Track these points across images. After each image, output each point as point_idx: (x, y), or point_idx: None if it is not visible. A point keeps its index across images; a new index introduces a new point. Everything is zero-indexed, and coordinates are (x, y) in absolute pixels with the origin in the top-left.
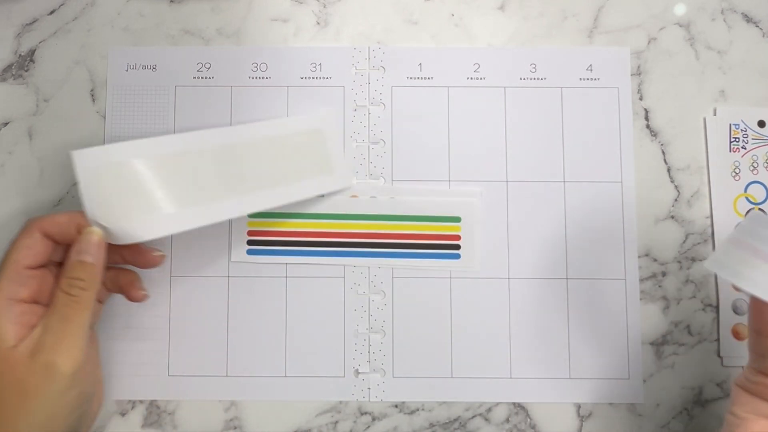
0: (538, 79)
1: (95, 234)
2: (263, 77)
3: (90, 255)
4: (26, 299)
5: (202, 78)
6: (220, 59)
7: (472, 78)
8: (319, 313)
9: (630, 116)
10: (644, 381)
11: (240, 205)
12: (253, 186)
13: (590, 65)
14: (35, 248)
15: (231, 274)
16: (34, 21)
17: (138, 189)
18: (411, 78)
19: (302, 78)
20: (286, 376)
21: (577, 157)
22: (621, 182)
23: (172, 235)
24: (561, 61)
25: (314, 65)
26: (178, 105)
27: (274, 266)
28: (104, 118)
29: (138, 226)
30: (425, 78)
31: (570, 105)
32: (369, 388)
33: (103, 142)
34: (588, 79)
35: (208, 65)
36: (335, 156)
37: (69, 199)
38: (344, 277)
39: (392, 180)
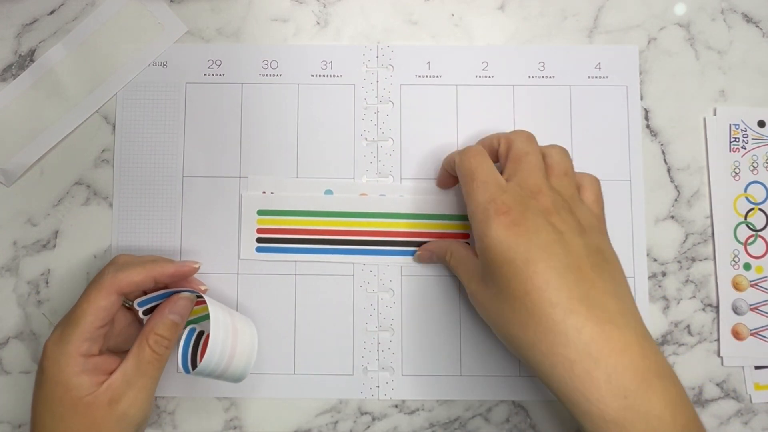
0: (546, 77)
1: (188, 298)
2: (274, 75)
3: (180, 316)
4: (97, 353)
5: (213, 75)
6: (231, 56)
7: (480, 76)
8: (328, 311)
9: (639, 114)
10: None
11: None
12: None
13: (599, 63)
14: (110, 309)
15: (240, 272)
16: (34, 21)
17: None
18: (419, 76)
19: (312, 76)
20: (294, 374)
21: (585, 156)
22: (630, 180)
23: (181, 234)
24: (569, 59)
25: (325, 63)
26: (188, 102)
27: (283, 264)
28: (114, 114)
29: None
30: (434, 76)
31: (578, 103)
32: (378, 386)
33: (114, 140)
34: (596, 77)
35: (218, 62)
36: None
37: (69, 199)
38: (353, 276)
39: (401, 178)
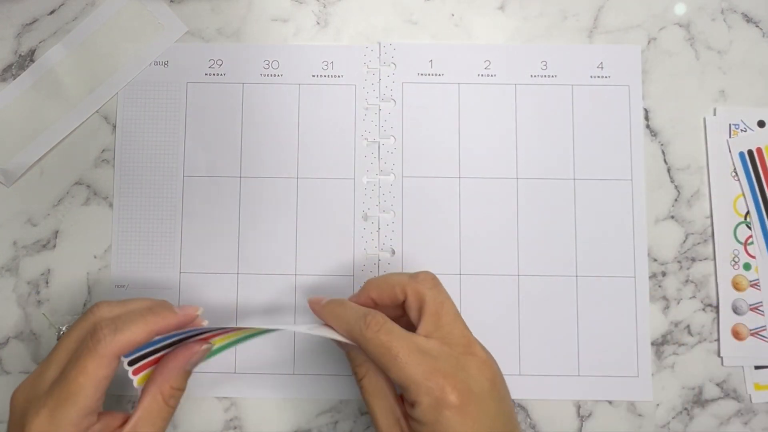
0: (548, 76)
1: (206, 350)
2: (275, 75)
3: (195, 366)
4: (97, 420)
5: (214, 75)
6: (232, 56)
7: (482, 75)
8: None
9: (641, 114)
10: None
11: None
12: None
13: (601, 63)
14: (111, 376)
15: (240, 272)
16: (34, 21)
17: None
18: (422, 74)
19: (314, 76)
20: (293, 374)
21: (587, 155)
22: (631, 180)
23: (181, 234)
24: (571, 58)
25: (326, 63)
26: (189, 101)
27: (283, 263)
28: (115, 113)
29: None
30: (436, 74)
31: (580, 103)
32: None
33: (114, 139)
34: (599, 77)
35: (219, 62)
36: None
37: (69, 199)
38: (353, 276)
39: (402, 176)
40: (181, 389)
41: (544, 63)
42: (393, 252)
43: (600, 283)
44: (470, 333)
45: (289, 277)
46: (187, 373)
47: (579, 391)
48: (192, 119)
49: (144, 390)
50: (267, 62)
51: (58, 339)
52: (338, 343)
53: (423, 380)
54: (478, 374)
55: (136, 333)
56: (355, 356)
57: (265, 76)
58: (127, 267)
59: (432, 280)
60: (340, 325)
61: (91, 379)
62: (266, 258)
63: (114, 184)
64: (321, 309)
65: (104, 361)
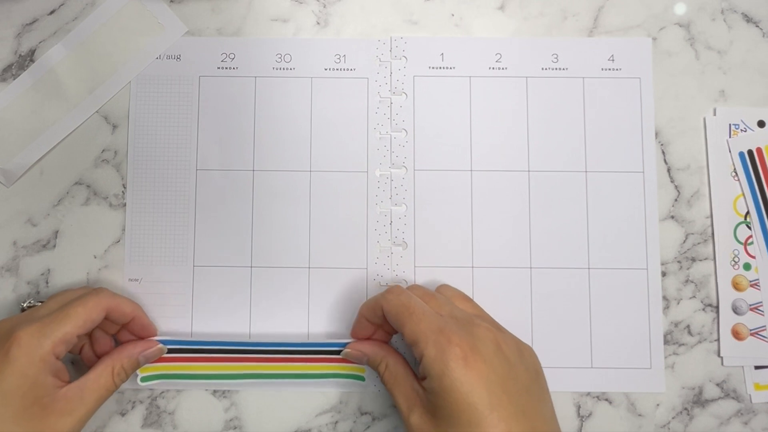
0: (560, 69)
1: (161, 349)
2: (287, 68)
3: (147, 361)
4: (61, 359)
5: (227, 68)
6: (245, 50)
7: (494, 68)
8: (341, 305)
9: (652, 106)
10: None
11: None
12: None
13: (612, 56)
14: (96, 323)
15: (254, 265)
16: (34, 21)
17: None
18: (433, 68)
19: (326, 69)
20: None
21: (599, 147)
22: (643, 172)
23: (195, 226)
24: (582, 51)
25: (338, 57)
26: (202, 95)
27: (297, 256)
28: (128, 108)
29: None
30: (447, 68)
31: (592, 95)
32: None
33: (128, 133)
34: (610, 69)
35: (232, 56)
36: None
37: (69, 199)
38: (367, 269)
39: (414, 169)
40: (127, 374)
41: (555, 56)
42: (405, 245)
43: (612, 275)
44: (473, 315)
45: (302, 270)
46: (138, 363)
47: (591, 383)
48: (204, 113)
49: (100, 361)
50: (279, 56)
51: (22, 311)
52: (349, 359)
53: (431, 334)
54: (484, 337)
55: (126, 305)
56: (372, 358)
57: (277, 69)
58: (140, 261)
59: (397, 288)
60: (367, 307)
61: (86, 312)
62: (279, 251)
63: (127, 178)
64: (357, 319)
65: (100, 306)
